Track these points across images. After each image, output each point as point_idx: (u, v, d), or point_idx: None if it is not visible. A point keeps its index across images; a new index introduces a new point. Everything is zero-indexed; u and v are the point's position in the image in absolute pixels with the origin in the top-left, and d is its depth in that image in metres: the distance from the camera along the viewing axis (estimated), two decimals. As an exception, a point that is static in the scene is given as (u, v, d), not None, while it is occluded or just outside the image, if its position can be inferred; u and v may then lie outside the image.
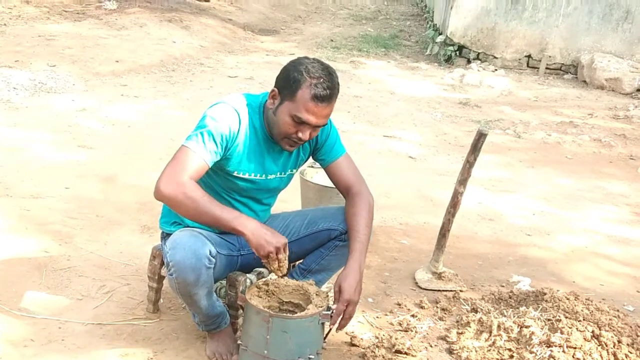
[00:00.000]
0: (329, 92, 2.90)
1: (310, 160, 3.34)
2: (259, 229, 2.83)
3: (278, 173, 3.17)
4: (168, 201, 2.82)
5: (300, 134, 2.96)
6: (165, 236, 3.17)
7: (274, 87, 2.99)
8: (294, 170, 3.27)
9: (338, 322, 2.97)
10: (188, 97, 8.09)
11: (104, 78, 8.55)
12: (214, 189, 3.07)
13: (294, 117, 2.92)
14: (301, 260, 3.38)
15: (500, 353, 3.30)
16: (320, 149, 3.22)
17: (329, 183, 4.46)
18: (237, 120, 2.97)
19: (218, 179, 3.06)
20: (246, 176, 3.07)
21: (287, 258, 2.89)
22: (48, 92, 7.60)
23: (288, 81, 2.92)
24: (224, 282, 3.27)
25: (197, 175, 2.87)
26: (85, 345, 3.15)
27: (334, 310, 2.94)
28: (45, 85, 7.79)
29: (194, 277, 2.83)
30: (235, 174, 3.05)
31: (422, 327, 3.60)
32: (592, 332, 3.32)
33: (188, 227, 3.04)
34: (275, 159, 3.13)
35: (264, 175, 3.12)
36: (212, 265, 2.89)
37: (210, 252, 2.86)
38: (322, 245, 3.26)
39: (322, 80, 2.90)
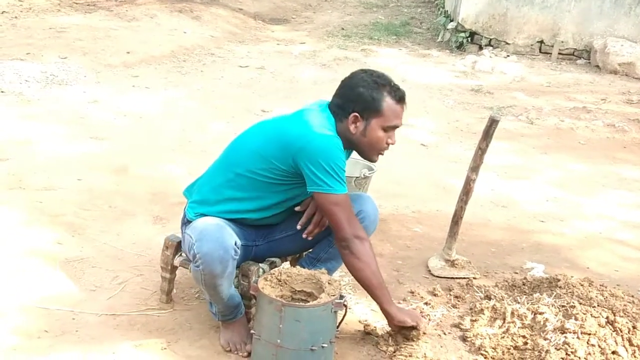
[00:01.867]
0: (402, 89, 3.12)
1: None
2: (404, 312, 3.26)
3: None
4: (361, 257, 3.04)
5: (390, 140, 3.15)
6: (187, 222, 3.17)
7: (351, 112, 3.06)
8: None
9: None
10: (199, 88, 8.08)
11: (115, 69, 8.56)
12: (273, 190, 3.14)
13: (385, 129, 3.08)
14: (310, 250, 3.39)
15: (514, 340, 3.29)
16: None
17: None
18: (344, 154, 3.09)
19: (287, 190, 3.16)
20: None
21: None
22: (59, 84, 7.61)
23: (367, 102, 3.05)
24: (236, 271, 3.27)
25: None
26: (99, 336, 3.17)
27: (305, 213, 3.25)
28: (57, 78, 7.80)
29: (220, 269, 2.87)
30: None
31: (435, 315, 3.59)
32: (607, 318, 3.30)
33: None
34: None
35: None
36: (237, 256, 2.93)
37: (236, 243, 2.90)
38: (330, 234, 3.26)
39: (392, 83, 3.10)
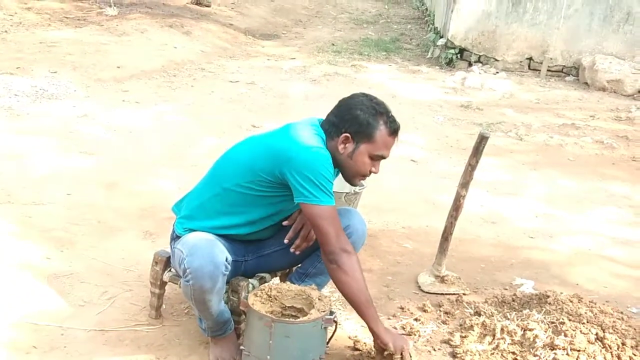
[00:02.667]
0: (397, 121, 3.13)
1: None
2: (395, 335, 3.13)
3: None
4: (348, 271, 2.98)
5: (373, 169, 3.14)
6: (176, 237, 3.17)
7: (343, 132, 3.06)
8: None
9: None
10: (190, 103, 8.09)
11: (105, 84, 8.55)
12: (257, 202, 3.13)
13: (372, 157, 3.09)
14: (299, 265, 3.39)
15: (504, 356, 3.29)
16: None
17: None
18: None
19: (272, 203, 3.14)
20: None
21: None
22: (49, 99, 7.60)
23: (361, 126, 3.05)
24: (226, 287, 3.26)
25: None
26: (88, 352, 3.15)
27: (292, 227, 3.25)
28: (47, 92, 7.79)
29: (210, 284, 2.86)
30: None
31: (425, 331, 3.59)
32: (596, 334, 3.31)
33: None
34: None
35: None
36: (228, 272, 2.93)
37: (226, 259, 2.90)
38: (318, 249, 3.25)
39: (389, 114, 3.11)
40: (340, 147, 3.07)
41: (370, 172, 3.14)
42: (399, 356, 3.02)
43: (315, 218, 2.96)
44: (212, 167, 3.28)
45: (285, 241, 3.24)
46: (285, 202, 3.11)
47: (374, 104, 3.08)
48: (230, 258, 2.94)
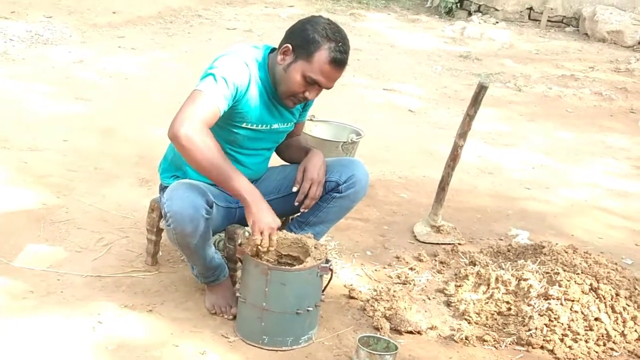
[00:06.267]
0: (346, 56, 2.94)
1: (309, 113, 3.37)
2: (262, 202, 2.84)
3: (282, 123, 3.18)
4: (183, 143, 2.73)
5: (307, 94, 2.99)
6: (164, 188, 3.15)
7: (287, 43, 2.96)
8: (294, 122, 3.28)
9: (303, 201, 3.15)
10: (187, 50, 8.02)
11: (101, 29, 8.46)
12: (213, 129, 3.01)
13: (306, 78, 2.93)
14: (299, 213, 3.38)
15: (498, 305, 3.31)
16: (305, 107, 3.30)
17: (328, 136, 4.48)
18: (248, 74, 2.96)
19: (220, 131, 3.02)
20: (253, 127, 3.06)
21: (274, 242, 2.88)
22: (45, 44, 7.53)
23: (306, 41, 2.91)
24: (222, 234, 3.27)
25: (211, 122, 2.84)
26: (85, 297, 3.16)
27: (300, 189, 3.15)
28: (42, 37, 7.71)
29: (191, 228, 2.82)
30: (244, 125, 3.04)
31: (420, 280, 3.61)
32: (590, 285, 3.33)
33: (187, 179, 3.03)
34: (279, 111, 3.13)
35: (268, 126, 3.11)
36: (210, 216, 2.88)
37: (207, 202, 2.85)
38: (321, 198, 3.25)
39: (340, 44, 2.92)
40: (280, 57, 2.97)
41: (304, 96, 2.99)
42: (257, 237, 2.83)
43: (185, 99, 2.85)
44: None
45: (296, 204, 3.18)
46: (239, 127, 3.05)
47: (330, 28, 2.94)
48: (212, 201, 2.89)
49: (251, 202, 2.81)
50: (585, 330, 3.16)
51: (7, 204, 3.96)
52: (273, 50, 3.10)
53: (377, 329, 3.12)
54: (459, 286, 3.49)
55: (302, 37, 2.93)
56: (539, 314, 3.19)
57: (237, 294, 3.02)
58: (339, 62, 2.92)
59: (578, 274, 3.42)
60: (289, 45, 2.95)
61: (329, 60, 2.90)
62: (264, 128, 3.11)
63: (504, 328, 3.23)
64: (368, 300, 3.32)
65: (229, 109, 2.92)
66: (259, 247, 2.85)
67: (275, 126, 3.15)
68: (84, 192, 4.24)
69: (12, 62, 6.78)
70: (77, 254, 3.54)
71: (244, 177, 2.84)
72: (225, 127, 3.03)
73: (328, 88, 3.00)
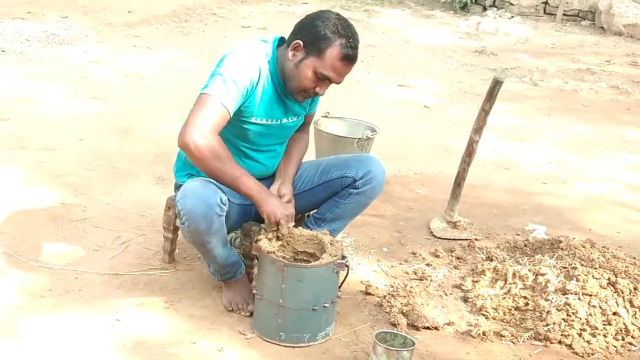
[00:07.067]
0: (356, 51, 2.96)
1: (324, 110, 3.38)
2: (271, 196, 2.96)
3: (292, 117, 3.19)
4: (194, 153, 2.79)
5: (318, 89, 3.00)
6: (179, 187, 3.16)
7: (297, 38, 2.96)
8: (304, 114, 3.30)
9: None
10: (201, 48, 8.03)
11: (117, 29, 8.49)
12: (225, 136, 3.02)
13: (318, 74, 2.94)
14: (315, 210, 3.38)
15: (515, 301, 3.30)
16: (313, 100, 3.29)
17: (343, 132, 4.48)
18: (257, 71, 2.97)
19: (231, 127, 3.02)
20: (262, 122, 3.06)
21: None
22: (61, 44, 7.56)
23: (317, 37, 2.92)
24: (238, 232, 3.28)
25: (220, 126, 2.88)
26: (102, 295, 3.18)
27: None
28: (58, 37, 7.75)
29: (205, 225, 2.83)
30: (253, 120, 3.04)
31: (437, 276, 3.60)
32: (608, 279, 3.31)
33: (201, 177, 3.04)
34: (289, 105, 3.14)
35: (278, 120, 3.12)
36: (224, 213, 2.88)
37: (221, 199, 2.85)
38: (336, 194, 3.25)
39: (351, 40, 2.94)
40: (290, 53, 2.97)
41: (314, 92, 3.00)
42: (275, 228, 2.97)
43: (194, 104, 2.87)
44: None
45: None
46: (247, 123, 3.06)
47: (340, 23, 2.94)
48: (225, 199, 2.89)
49: (260, 200, 2.89)
50: (604, 324, 3.15)
51: (24, 203, 3.99)
52: (281, 40, 3.10)
53: (394, 325, 3.12)
54: (476, 282, 3.49)
55: (312, 33, 2.93)
56: (556, 309, 3.18)
57: (254, 291, 3.03)
58: (350, 58, 2.94)
59: (596, 268, 3.40)
60: (300, 42, 2.95)
61: (340, 56, 2.92)
62: (274, 123, 3.11)
63: (522, 323, 3.22)
64: (385, 297, 3.32)
65: (239, 106, 2.94)
66: (279, 234, 2.95)
67: (285, 120, 3.15)
68: (101, 190, 4.26)
69: (28, 62, 6.82)
70: (95, 252, 3.56)
71: (250, 178, 2.90)
72: (236, 123, 3.04)
73: (338, 83, 3.02)
